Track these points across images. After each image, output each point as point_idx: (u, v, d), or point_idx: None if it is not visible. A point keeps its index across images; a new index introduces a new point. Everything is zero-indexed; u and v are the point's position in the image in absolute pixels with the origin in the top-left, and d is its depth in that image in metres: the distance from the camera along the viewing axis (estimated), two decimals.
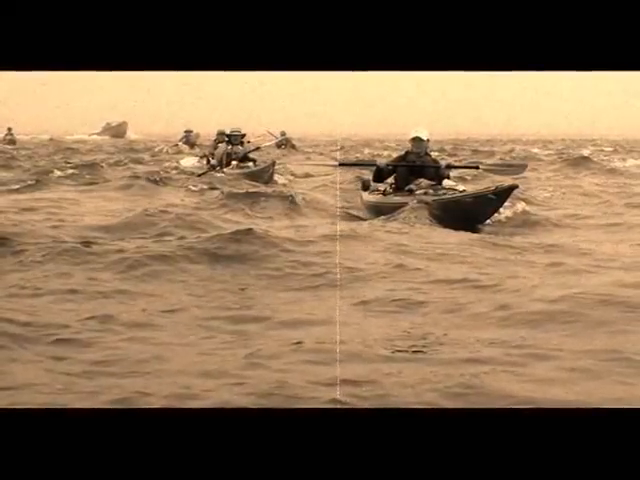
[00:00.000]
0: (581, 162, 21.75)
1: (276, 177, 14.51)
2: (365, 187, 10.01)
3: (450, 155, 26.15)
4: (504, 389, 3.38)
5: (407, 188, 9.19)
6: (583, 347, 3.97)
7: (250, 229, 6.86)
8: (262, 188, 12.10)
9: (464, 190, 9.02)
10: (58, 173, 16.38)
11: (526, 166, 11.79)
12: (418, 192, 9.02)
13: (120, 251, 6.19)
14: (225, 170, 14.42)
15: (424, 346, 4.07)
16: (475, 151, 33.24)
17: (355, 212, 10.09)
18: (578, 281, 5.46)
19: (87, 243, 6.52)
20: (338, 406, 3.18)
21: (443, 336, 4.23)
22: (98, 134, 62.26)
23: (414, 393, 3.34)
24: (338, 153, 29.15)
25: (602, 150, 34.80)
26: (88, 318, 4.46)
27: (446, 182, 9.22)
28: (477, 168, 11.51)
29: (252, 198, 10.49)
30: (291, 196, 10.65)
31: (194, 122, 32.56)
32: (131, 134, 63.09)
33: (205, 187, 12.79)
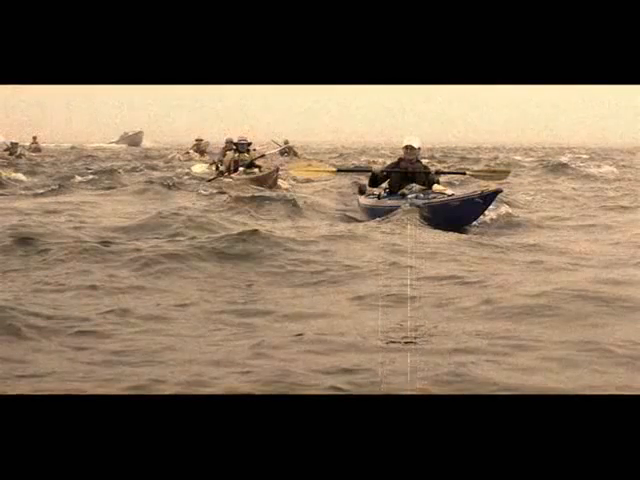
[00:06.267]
0: (560, 168, 21.72)
1: (280, 182, 14.48)
2: (361, 191, 10.00)
3: (440, 162, 26.14)
4: (489, 377, 3.38)
5: (400, 192, 9.19)
6: (561, 338, 3.97)
7: (255, 230, 6.85)
8: (267, 192, 12.07)
9: (452, 194, 9.02)
10: (79, 178, 16.37)
11: (509, 172, 11.80)
12: (410, 196, 9.01)
13: (136, 250, 6.19)
14: (233, 176, 14.39)
15: (415, 337, 4.06)
16: (462, 158, 33.24)
17: (352, 214, 10.08)
18: (557, 278, 5.45)
19: (106, 243, 6.52)
20: (336, 393, 3.18)
21: (433, 328, 4.23)
22: (116, 142, 62.28)
23: (406, 381, 3.34)
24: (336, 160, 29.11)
25: (579, 157, 34.74)
26: (107, 312, 4.46)
27: (436, 187, 9.22)
28: (464, 174, 11.55)
29: (257, 201, 10.48)
30: (293, 199, 10.64)
31: (204, 132, 32.55)
32: (146, 142, 63.03)
33: (214, 191, 12.79)
